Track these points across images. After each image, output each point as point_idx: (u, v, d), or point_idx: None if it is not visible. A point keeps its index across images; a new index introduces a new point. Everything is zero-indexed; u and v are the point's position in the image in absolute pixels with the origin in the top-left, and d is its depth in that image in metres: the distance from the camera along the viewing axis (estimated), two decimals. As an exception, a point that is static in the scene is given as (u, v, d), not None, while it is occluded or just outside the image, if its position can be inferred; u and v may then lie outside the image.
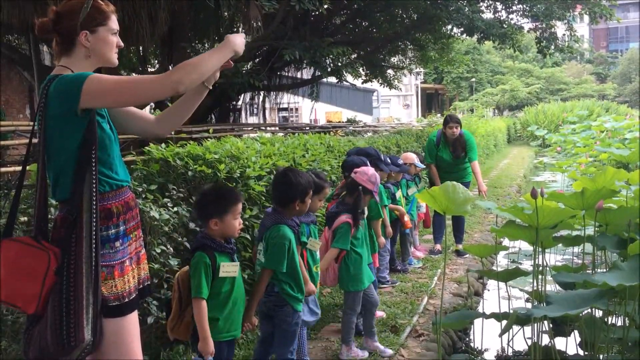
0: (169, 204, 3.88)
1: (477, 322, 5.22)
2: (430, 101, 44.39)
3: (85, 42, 2.26)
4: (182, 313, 2.82)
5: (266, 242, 3.18)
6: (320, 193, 3.77)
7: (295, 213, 3.27)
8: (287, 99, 15.78)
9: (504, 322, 4.00)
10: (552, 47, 12.19)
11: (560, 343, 4.84)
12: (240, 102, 13.46)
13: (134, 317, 2.29)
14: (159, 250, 3.65)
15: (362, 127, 15.05)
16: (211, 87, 2.43)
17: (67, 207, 2.16)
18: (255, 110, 16.22)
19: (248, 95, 13.82)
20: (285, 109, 29.36)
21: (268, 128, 12.74)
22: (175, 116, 2.51)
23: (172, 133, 5.53)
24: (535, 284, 4.08)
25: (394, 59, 14.96)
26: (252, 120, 15.21)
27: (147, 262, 2.49)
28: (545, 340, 4.59)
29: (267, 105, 14.71)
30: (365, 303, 4.18)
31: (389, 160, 5.79)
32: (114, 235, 2.25)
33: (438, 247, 7.21)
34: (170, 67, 11.49)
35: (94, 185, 2.16)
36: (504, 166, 18.51)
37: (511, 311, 4.40)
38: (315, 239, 3.64)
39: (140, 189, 3.84)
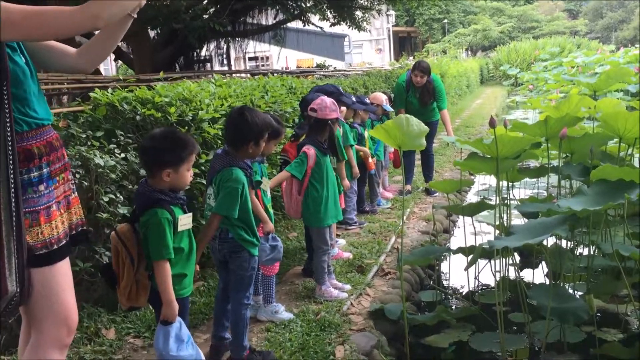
0: (116, 151, 3.70)
1: (449, 260, 5.20)
2: (403, 45, 43.78)
3: None
4: (136, 276, 2.51)
5: (217, 186, 3.01)
6: (277, 138, 3.62)
7: (247, 156, 3.10)
8: (256, 47, 15.32)
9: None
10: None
11: (528, 275, 4.84)
12: (205, 51, 13.02)
13: (64, 265, 2.14)
14: (106, 199, 3.49)
15: (332, 71, 14.73)
16: (135, 16, 2.20)
17: None
18: (225, 60, 15.75)
19: (213, 45, 13.36)
20: (255, 58, 28.84)
21: (235, 75, 12.38)
22: (99, 49, 2.29)
23: (121, 79, 5.28)
24: (498, 216, 4.01)
25: (362, 0, 14.52)
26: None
27: (80, 206, 2.32)
28: (513, 274, 4.58)
29: (234, 53, 14.29)
30: None
31: (353, 99, 5.62)
32: (37, 178, 2.07)
33: (408, 187, 7.14)
34: None
35: (9, 124, 1.96)
36: (476, 106, 18.44)
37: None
38: (266, 178, 3.51)
39: (84, 136, 3.64)
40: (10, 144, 1.95)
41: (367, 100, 6.20)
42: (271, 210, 3.62)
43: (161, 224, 2.43)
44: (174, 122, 4.00)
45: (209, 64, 14.61)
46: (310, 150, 3.91)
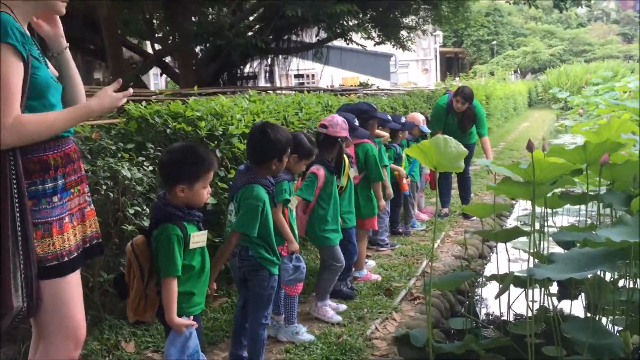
0: (145, 163, 3.71)
1: (487, 287, 5.03)
2: (450, 65, 43.49)
3: None
4: (145, 290, 2.47)
5: (238, 202, 2.97)
6: (309, 158, 3.56)
7: (271, 172, 3.06)
8: (300, 64, 15.38)
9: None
10: (570, 0, 11.62)
11: (566, 306, 4.63)
12: (249, 68, 13.15)
13: (75, 278, 2.12)
14: (132, 211, 3.50)
15: (374, 90, 14.68)
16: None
17: None
18: (270, 77, 15.88)
19: (257, 62, 13.48)
20: (301, 76, 29.06)
21: (279, 92, 12.45)
22: (71, 94, 2.27)
23: (157, 93, 5.34)
24: (533, 243, 3.84)
25: (407, 20, 14.47)
26: (267, 88, 14.93)
27: (96, 219, 2.31)
28: (550, 304, 4.39)
29: (278, 71, 14.38)
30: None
31: (388, 118, 5.54)
32: (51, 189, 2.06)
33: (445, 210, 6.99)
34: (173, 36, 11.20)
35: None
36: (523, 129, 18.05)
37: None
38: (294, 197, 3.46)
39: (114, 148, 3.67)
40: (12, 158, 1.94)
41: (403, 120, 6.11)
42: (296, 230, 3.56)
43: (170, 240, 2.39)
44: (204, 137, 4.00)
45: (252, 81, 14.76)
46: (320, 171, 3.83)
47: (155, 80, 26.92)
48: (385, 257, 5.33)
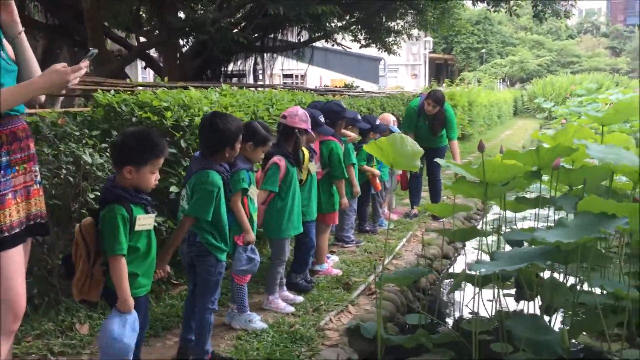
0: (108, 150, 3.77)
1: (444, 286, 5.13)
2: (439, 71, 43.73)
3: None
4: (91, 270, 2.53)
5: (192, 188, 3.04)
6: (265, 145, 3.63)
7: (225, 159, 3.14)
8: (290, 64, 15.40)
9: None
10: (549, 11, 11.81)
11: (526, 308, 4.73)
12: (232, 66, 13.20)
13: (16, 253, 2.18)
14: (92, 196, 3.56)
15: (359, 92, 14.80)
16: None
17: None
18: (259, 76, 15.96)
19: (241, 60, 13.54)
20: (290, 76, 29.16)
21: (264, 89, 12.50)
22: (27, 77, 2.33)
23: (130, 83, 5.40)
24: (484, 241, 3.96)
25: (393, 24, 14.62)
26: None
27: (42, 199, 2.38)
28: (510, 303, 4.51)
29: (267, 70, 14.46)
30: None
31: (358, 118, 5.63)
32: (-6, 165, 2.13)
33: (414, 211, 7.09)
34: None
35: None
36: (505, 137, 18.24)
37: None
38: (254, 187, 3.53)
39: (78, 134, 3.73)
40: None
41: (378, 122, 6.21)
42: (256, 220, 3.63)
43: (115, 220, 2.45)
44: (169, 126, 4.07)
45: (238, 79, 14.82)
46: (282, 162, 3.90)
47: (144, 74, 26.91)
48: (350, 253, 5.42)
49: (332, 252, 5.31)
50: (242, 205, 3.46)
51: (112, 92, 4.27)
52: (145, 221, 2.56)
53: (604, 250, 4.37)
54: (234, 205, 3.35)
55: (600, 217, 3.19)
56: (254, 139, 3.49)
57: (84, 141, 3.74)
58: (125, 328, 2.46)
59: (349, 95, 13.17)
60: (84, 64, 2.26)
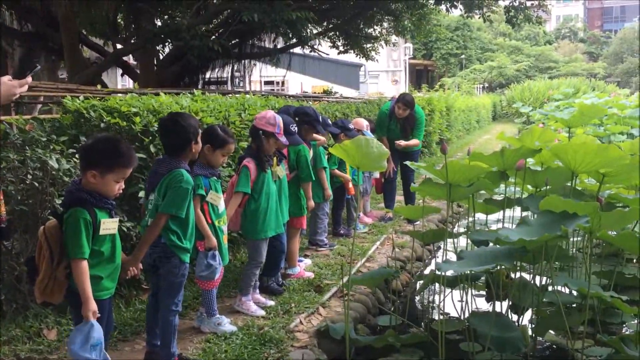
0: (76, 156, 3.78)
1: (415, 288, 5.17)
2: (420, 77, 44.07)
3: None
4: (54, 272, 2.54)
5: (164, 188, 3.03)
6: (224, 148, 3.63)
7: (190, 156, 3.17)
8: (273, 72, 15.35)
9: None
10: (521, 17, 12.00)
11: (497, 308, 4.80)
12: (210, 72, 13.17)
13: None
14: (59, 202, 3.56)
15: (338, 98, 14.87)
16: None
17: None
18: (240, 83, 15.91)
19: (219, 67, 13.51)
20: (271, 82, 29.19)
21: (246, 95, 12.50)
22: None
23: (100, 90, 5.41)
24: (451, 242, 4.02)
25: (371, 30, 14.73)
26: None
27: (2, 203, 2.39)
28: (481, 304, 4.58)
29: (246, 77, 14.44)
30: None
31: (329, 122, 5.69)
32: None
33: (389, 214, 7.15)
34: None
35: None
36: (483, 141, 18.43)
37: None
38: (216, 193, 3.55)
39: (45, 139, 3.74)
40: None
41: (351, 126, 6.27)
42: (221, 225, 3.63)
43: (78, 224, 2.47)
44: (138, 132, 4.08)
45: (217, 86, 14.80)
46: (251, 164, 3.95)
47: (123, 81, 26.79)
48: (323, 256, 5.45)
49: (305, 256, 5.35)
50: (203, 212, 3.49)
51: (82, 98, 4.27)
52: (110, 225, 2.58)
53: (573, 251, 4.47)
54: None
55: (562, 216, 3.27)
56: (212, 142, 3.51)
57: (51, 147, 3.75)
58: (88, 343, 2.45)
59: (326, 100, 13.26)
60: (29, 78, 2.31)
